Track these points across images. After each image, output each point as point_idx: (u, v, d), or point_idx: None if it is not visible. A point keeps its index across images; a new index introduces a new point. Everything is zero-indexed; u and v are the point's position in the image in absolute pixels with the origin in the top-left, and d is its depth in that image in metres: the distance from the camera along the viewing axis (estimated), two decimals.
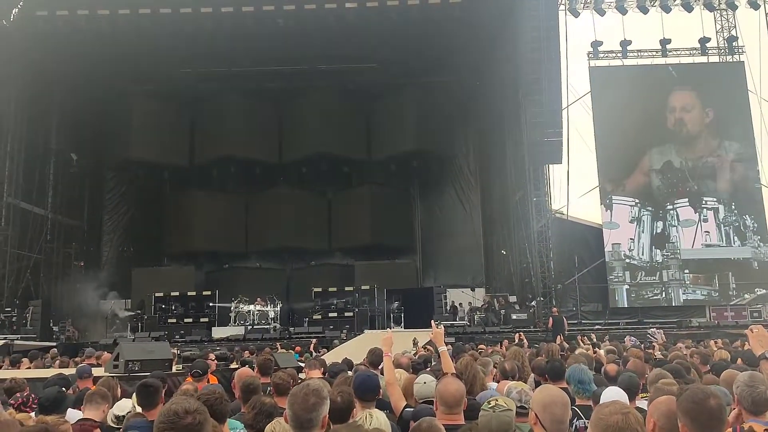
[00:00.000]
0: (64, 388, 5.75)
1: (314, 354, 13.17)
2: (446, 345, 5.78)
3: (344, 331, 20.41)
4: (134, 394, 5.02)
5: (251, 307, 22.89)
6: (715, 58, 26.60)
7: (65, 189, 25.98)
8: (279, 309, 23.48)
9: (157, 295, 23.68)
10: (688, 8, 25.37)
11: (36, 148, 24.35)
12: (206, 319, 23.22)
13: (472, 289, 25.86)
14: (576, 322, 21.90)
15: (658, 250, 24.22)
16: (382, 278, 24.12)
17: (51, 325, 22.40)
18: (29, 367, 11.22)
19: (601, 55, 26.33)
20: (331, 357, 10.61)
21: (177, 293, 23.93)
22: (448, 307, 23.27)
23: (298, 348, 15.32)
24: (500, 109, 25.58)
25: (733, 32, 26.27)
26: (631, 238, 24.37)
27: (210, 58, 25.54)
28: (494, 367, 6.56)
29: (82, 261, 26.56)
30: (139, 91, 27.18)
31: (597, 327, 20.87)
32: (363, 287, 23.71)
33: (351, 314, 22.63)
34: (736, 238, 24.13)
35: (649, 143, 25.01)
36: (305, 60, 25.98)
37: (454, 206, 28.76)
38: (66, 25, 22.16)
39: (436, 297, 22.40)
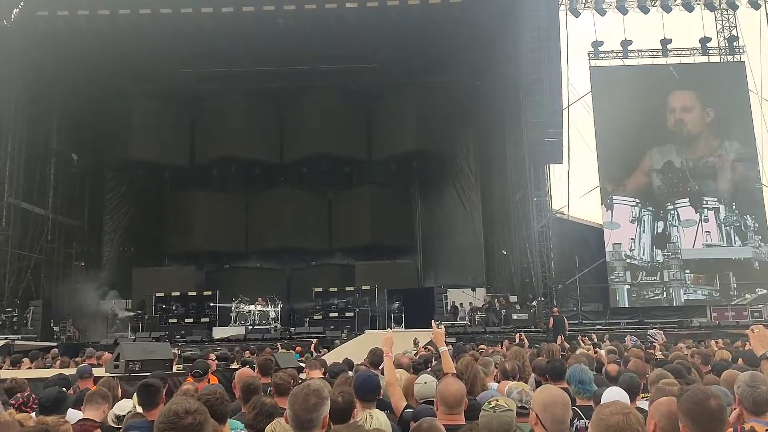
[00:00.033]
0: (64, 389, 5.75)
1: (315, 354, 13.17)
2: (447, 345, 5.77)
3: (345, 331, 20.41)
4: (135, 394, 5.02)
5: (252, 307, 22.90)
6: (715, 58, 26.59)
7: (66, 189, 25.98)
8: (280, 309, 23.47)
9: (157, 295, 23.69)
10: (689, 8, 25.36)
11: (37, 148, 24.36)
12: (207, 319, 23.22)
13: (473, 289, 25.86)
14: (577, 322, 21.90)
15: (659, 250, 24.21)
16: (383, 278, 24.12)
17: (52, 325, 22.41)
18: (30, 367, 11.23)
19: (602, 55, 26.33)
20: (332, 357, 10.61)
21: (177, 293, 23.94)
22: (448, 307, 23.27)
23: (298, 348, 15.31)
24: (501, 109, 25.57)
25: (734, 32, 26.25)
26: (631, 238, 24.36)
27: (210, 58, 25.55)
28: (495, 367, 6.55)
29: (82, 261, 26.56)
30: (140, 91, 27.19)
31: (598, 327, 20.86)
32: (363, 287, 23.71)
33: (352, 314, 22.63)
34: (736, 238, 24.12)
35: (649, 143, 25.00)
36: (306, 60, 25.98)
37: (455, 206, 28.75)
38: (66, 26, 22.16)
39: (436, 297, 22.41)
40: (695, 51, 26.49)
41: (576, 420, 4.41)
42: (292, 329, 22.20)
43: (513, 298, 23.67)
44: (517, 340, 13.21)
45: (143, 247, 28.41)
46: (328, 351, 14.47)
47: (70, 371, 8.07)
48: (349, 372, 6.43)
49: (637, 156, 25.03)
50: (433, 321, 7.40)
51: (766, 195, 24.52)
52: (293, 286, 27.80)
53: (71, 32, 22.31)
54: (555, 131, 22.88)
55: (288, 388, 4.74)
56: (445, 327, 7.33)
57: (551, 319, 18.73)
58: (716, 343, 12.43)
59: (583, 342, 13.16)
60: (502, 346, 12.68)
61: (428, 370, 6.17)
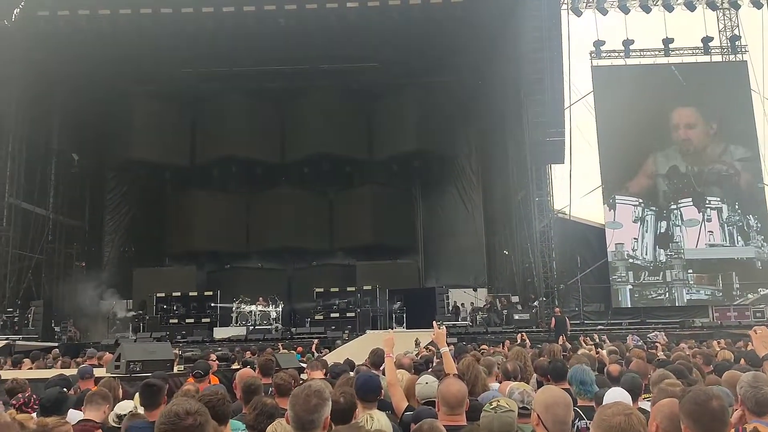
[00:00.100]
0: (65, 389, 5.75)
1: (316, 354, 13.17)
2: (448, 345, 5.76)
3: (346, 331, 20.40)
4: (137, 394, 5.01)
5: (253, 307, 22.89)
6: (717, 58, 26.54)
7: (67, 189, 25.99)
8: (281, 309, 23.47)
9: (158, 295, 23.69)
10: (691, 7, 25.30)
11: (37, 148, 24.37)
12: (208, 320, 23.24)
13: (475, 290, 25.87)
14: (578, 322, 21.87)
15: (662, 250, 24.18)
16: (384, 278, 24.10)
17: (53, 325, 22.41)
18: (31, 368, 11.23)
19: (604, 54, 26.29)
20: (333, 357, 10.61)
21: (178, 293, 23.95)
22: (450, 308, 23.27)
23: (299, 348, 15.31)
24: (502, 108, 25.56)
25: (736, 31, 26.20)
26: (634, 238, 24.33)
27: (211, 58, 25.55)
28: (497, 368, 6.54)
29: (83, 261, 26.60)
30: (141, 91, 27.20)
31: (600, 327, 20.83)
32: (365, 287, 23.69)
33: (353, 314, 22.64)
34: (739, 237, 24.09)
35: (652, 144, 24.96)
36: (306, 60, 25.99)
37: (456, 206, 28.74)
38: (67, 26, 22.17)
39: (438, 297, 22.40)
40: (697, 50, 26.46)
41: (577, 420, 4.40)
42: (293, 329, 22.19)
43: (514, 299, 23.66)
44: (519, 341, 13.20)
45: (144, 247, 28.43)
46: (330, 351, 14.46)
47: (71, 372, 8.07)
48: (351, 372, 6.42)
49: (640, 156, 24.99)
50: (434, 321, 7.39)
51: None
52: (294, 287, 27.78)
53: (72, 32, 22.31)
54: (557, 131, 22.89)
55: (289, 388, 4.74)
56: (446, 327, 7.31)
57: (553, 319, 18.70)
58: (718, 343, 12.41)
59: (585, 342, 13.13)
60: (503, 346, 12.66)
61: (429, 370, 6.16)
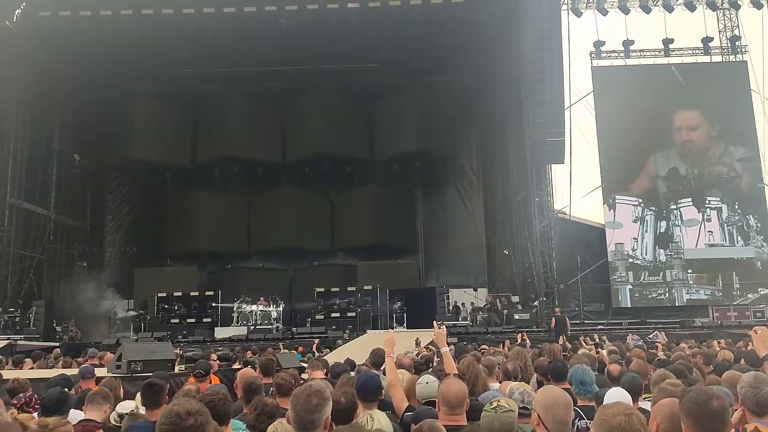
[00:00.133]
0: (66, 389, 5.75)
1: (317, 354, 13.18)
2: (448, 345, 5.77)
3: (347, 331, 20.41)
4: (138, 393, 5.02)
5: (254, 307, 22.90)
6: (718, 58, 26.53)
7: (68, 189, 26.00)
8: (282, 309, 23.47)
9: (159, 295, 23.71)
10: (691, 8, 25.29)
11: (39, 148, 24.37)
12: (209, 320, 23.25)
13: (475, 289, 25.87)
14: (579, 322, 21.87)
15: (662, 250, 24.17)
16: (385, 278, 24.12)
17: (54, 325, 22.41)
18: (32, 368, 11.24)
19: (604, 54, 26.27)
20: (334, 357, 10.62)
21: (179, 293, 23.96)
22: (450, 308, 23.27)
23: (300, 348, 15.33)
24: (502, 109, 25.57)
25: (736, 32, 26.19)
26: (634, 238, 24.32)
27: (212, 59, 25.56)
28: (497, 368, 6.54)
29: (84, 261, 26.61)
30: (142, 91, 27.23)
31: (600, 327, 20.83)
32: (365, 287, 23.70)
33: (353, 314, 22.66)
34: (739, 237, 24.08)
35: (652, 145, 24.95)
36: (307, 60, 25.99)
37: (457, 206, 28.76)
38: (68, 26, 22.19)
39: (438, 297, 22.39)
40: (697, 51, 26.45)
41: (577, 420, 4.40)
42: (294, 329, 22.20)
43: (515, 298, 23.67)
44: (519, 341, 13.20)
45: (145, 247, 28.46)
46: (330, 351, 14.47)
47: (72, 371, 8.08)
48: (351, 372, 6.43)
49: (640, 157, 24.99)
50: (435, 321, 7.40)
51: None
52: (295, 286, 27.81)
53: (73, 33, 22.33)
54: (557, 131, 22.86)
55: (290, 388, 4.74)
56: (446, 327, 7.31)
57: (553, 319, 18.70)
58: (718, 343, 12.40)
59: (585, 342, 13.13)
60: (503, 346, 12.67)
61: (430, 370, 6.17)
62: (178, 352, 10.44)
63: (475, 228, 28.22)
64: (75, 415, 4.91)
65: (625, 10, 25.33)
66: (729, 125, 24.84)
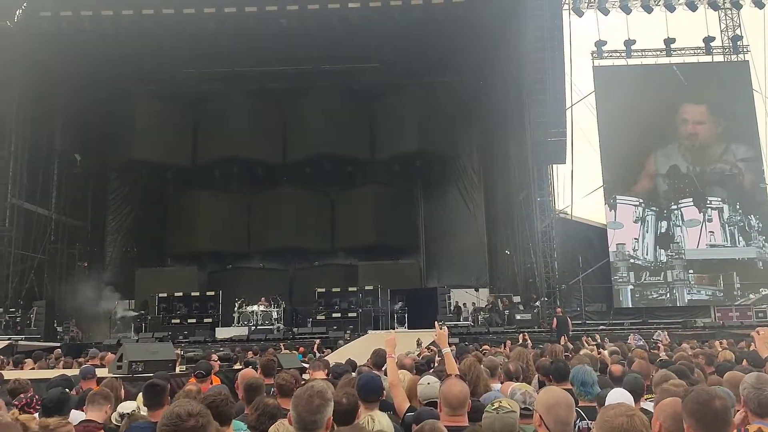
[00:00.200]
0: (67, 389, 5.75)
1: (318, 355, 13.17)
2: (450, 346, 5.76)
3: (348, 331, 20.40)
4: (139, 394, 5.01)
5: (255, 307, 22.90)
6: (719, 58, 26.51)
7: (69, 190, 26.01)
8: (282, 309, 23.47)
9: (160, 295, 23.73)
10: (693, 7, 25.27)
11: (40, 148, 24.40)
12: (210, 320, 23.25)
13: (476, 290, 25.86)
14: (580, 322, 21.84)
15: (663, 250, 24.14)
16: (386, 278, 24.12)
17: (55, 325, 22.44)
18: (33, 368, 11.24)
19: (605, 54, 26.24)
20: (335, 357, 10.61)
21: (180, 294, 23.98)
22: (451, 308, 23.26)
23: (301, 348, 15.34)
24: (503, 108, 25.55)
25: (738, 31, 26.16)
26: (635, 238, 24.30)
27: (213, 59, 25.58)
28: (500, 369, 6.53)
29: (85, 261, 26.64)
30: (143, 91, 27.25)
31: (601, 327, 20.82)
32: (366, 287, 23.69)
33: (354, 315, 22.64)
34: (740, 238, 24.05)
35: (654, 144, 24.93)
36: (308, 60, 26.00)
37: (458, 206, 28.75)
38: (70, 26, 22.21)
39: (439, 297, 22.40)
40: (699, 50, 26.41)
41: (578, 421, 4.39)
42: (294, 330, 22.19)
43: (516, 299, 23.64)
44: (521, 341, 13.19)
45: (146, 247, 28.48)
46: (332, 351, 14.46)
47: (73, 372, 8.08)
48: (353, 373, 6.42)
49: (641, 156, 24.96)
50: (436, 322, 7.39)
51: None
52: (296, 287, 27.83)
53: (74, 33, 22.35)
54: (558, 131, 22.84)
55: (291, 388, 4.73)
56: (448, 327, 7.30)
57: (554, 319, 18.69)
58: (720, 343, 12.38)
59: (587, 342, 13.12)
60: (504, 346, 12.66)
61: (431, 371, 6.15)
62: (179, 352, 10.43)
63: (477, 228, 28.22)
64: (76, 416, 4.91)
65: (627, 10, 25.32)
66: (731, 125, 24.81)
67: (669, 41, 26.06)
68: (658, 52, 26.40)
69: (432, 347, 10.82)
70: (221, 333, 21.80)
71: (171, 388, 5.95)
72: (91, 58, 23.76)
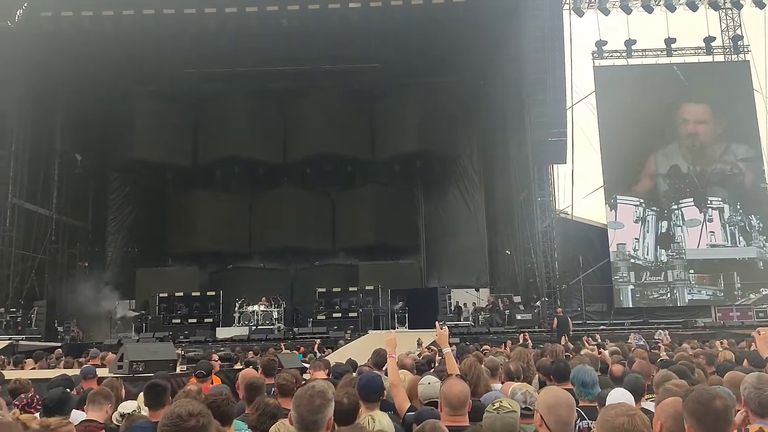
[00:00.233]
0: (68, 389, 5.75)
1: (318, 354, 13.17)
2: (450, 346, 5.76)
3: (348, 331, 20.41)
4: (140, 394, 5.01)
5: (255, 307, 22.91)
6: (720, 58, 26.49)
7: (70, 190, 26.02)
8: (283, 309, 23.48)
9: (161, 295, 23.75)
10: (693, 7, 25.27)
11: (40, 148, 24.42)
12: (210, 320, 23.26)
13: (477, 290, 25.85)
14: (581, 322, 21.83)
15: (663, 250, 24.13)
16: (386, 278, 24.13)
17: (56, 325, 22.46)
18: (34, 368, 11.25)
19: (606, 54, 26.23)
20: (336, 357, 10.61)
21: (181, 293, 24.00)
22: (452, 308, 23.25)
23: (302, 348, 15.34)
24: (504, 109, 25.55)
25: (738, 31, 26.15)
26: (635, 238, 24.29)
27: (213, 59, 25.58)
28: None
29: (86, 261, 26.65)
30: (143, 91, 27.26)
31: (602, 327, 20.81)
32: (367, 287, 23.71)
33: (355, 315, 22.64)
34: (741, 238, 24.04)
35: (654, 144, 24.91)
36: (309, 60, 26.01)
37: (458, 206, 28.75)
38: (70, 26, 22.21)
39: (440, 297, 22.41)
40: (699, 50, 26.40)
41: (579, 421, 4.39)
42: (295, 329, 22.20)
43: (517, 299, 23.64)
44: (521, 341, 13.19)
45: (147, 247, 28.50)
46: (332, 351, 14.46)
47: (73, 372, 8.08)
48: (353, 373, 6.42)
49: (642, 156, 24.94)
50: (437, 322, 7.40)
51: None
52: (296, 287, 27.83)
53: (75, 33, 22.36)
54: (559, 131, 22.84)
55: (291, 388, 4.74)
56: (448, 327, 7.31)
57: (555, 319, 18.70)
58: (721, 343, 12.38)
59: (588, 342, 13.12)
60: (505, 346, 12.66)
61: (432, 371, 6.15)
62: (179, 352, 10.44)
63: (477, 228, 28.22)
64: (77, 416, 4.91)
65: (627, 10, 25.31)
66: (731, 125, 24.80)
67: (669, 41, 26.05)
68: (659, 52, 26.39)
69: (432, 347, 10.82)
70: (222, 333, 21.81)
71: (172, 388, 5.96)
72: (91, 58, 23.77)
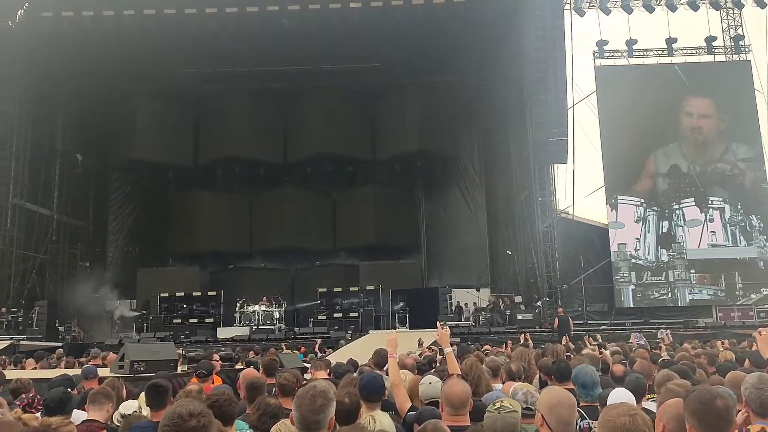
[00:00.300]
0: (69, 389, 5.75)
1: (319, 354, 13.17)
2: (451, 346, 5.76)
3: (349, 331, 20.41)
4: (142, 394, 5.01)
5: (256, 307, 22.91)
6: (721, 57, 26.47)
7: (70, 190, 26.02)
8: (284, 309, 23.48)
9: (162, 295, 23.73)
10: (694, 7, 25.24)
11: (41, 148, 24.43)
12: (211, 320, 23.26)
13: (477, 290, 25.83)
14: (582, 322, 21.82)
15: (664, 250, 24.12)
16: (387, 278, 24.13)
17: (56, 325, 22.43)
18: (35, 368, 11.25)
19: (607, 54, 26.21)
20: (336, 357, 10.61)
21: (182, 293, 23.98)
22: (453, 308, 23.25)
23: (303, 348, 15.34)
24: (505, 108, 25.54)
25: (740, 31, 26.13)
26: (636, 238, 24.28)
27: (214, 59, 25.58)
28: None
29: (87, 261, 26.66)
30: (144, 91, 27.26)
31: (603, 327, 20.80)
32: (368, 287, 23.71)
33: (356, 315, 22.64)
34: (742, 237, 24.02)
35: (655, 144, 24.90)
36: (309, 60, 26.00)
37: (459, 206, 28.75)
38: (71, 26, 22.22)
39: (441, 297, 22.40)
40: (701, 50, 26.38)
41: (579, 420, 4.39)
42: (296, 329, 22.19)
43: (518, 299, 23.63)
44: (522, 341, 13.19)
45: (147, 247, 28.50)
46: (333, 351, 14.47)
47: (74, 372, 8.08)
48: (354, 373, 6.42)
49: (643, 156, 24.92)
50: (437, 322, 7.40)
51: None
52: (297, 287, 27.82)
53: (76, 33, 22.37)
54: (559, 131, 22.83)
55: (292, 388, 4.74)
56: (449, 327, 7.31)
57: (556, 319, 18.70)
58: (722, 343, 12.36)
59: (589, 342, 13.11)
60: (505, 346, 12.66)
61: (433, 371, 6.15)
62: (180, 352, 10.44)
63: (478, 228, 28.22)
64: (78, 416, 4.91)
65: (628, 10, 25.29)
66: (732, 124, 24.78)
67: (671, 41, 26.02)
68: (660, 52, 26.37)
69: (433, 347, 10.82)
70: (223, 333, 21.81)
71: (173, 388, 5.96)
72: (92, 58, 23.78)
